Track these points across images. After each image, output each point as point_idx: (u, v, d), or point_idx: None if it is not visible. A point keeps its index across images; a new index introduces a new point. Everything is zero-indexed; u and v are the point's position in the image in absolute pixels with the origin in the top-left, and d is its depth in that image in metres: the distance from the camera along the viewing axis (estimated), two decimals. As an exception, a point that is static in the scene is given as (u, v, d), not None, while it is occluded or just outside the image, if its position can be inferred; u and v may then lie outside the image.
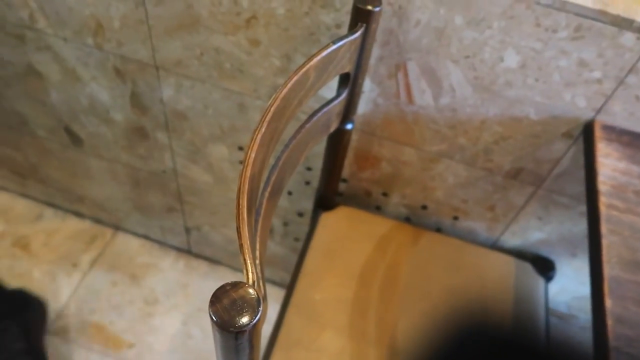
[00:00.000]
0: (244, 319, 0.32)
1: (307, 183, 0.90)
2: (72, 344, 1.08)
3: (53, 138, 1.03)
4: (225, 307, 0.32)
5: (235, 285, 0.33)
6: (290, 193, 0.94)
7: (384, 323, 0.72)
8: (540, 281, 0.79)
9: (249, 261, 0.37)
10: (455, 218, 0.85)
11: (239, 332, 0.31)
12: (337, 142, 0.73)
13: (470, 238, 0.87)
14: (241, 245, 0.38)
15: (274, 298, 1.19)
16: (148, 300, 1.15)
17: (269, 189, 0.53)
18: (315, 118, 0.59)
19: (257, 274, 0.36)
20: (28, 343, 1.06)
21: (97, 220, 1.26)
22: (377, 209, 0.90)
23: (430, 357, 0.69)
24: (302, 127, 0.58)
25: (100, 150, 1.01)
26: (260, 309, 0.32)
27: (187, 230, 1.16)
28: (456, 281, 0.78)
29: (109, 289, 1.16)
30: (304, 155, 0.61)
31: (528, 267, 0.80)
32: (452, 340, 0.71)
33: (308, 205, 0.94)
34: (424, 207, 0.85)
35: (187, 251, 1.23)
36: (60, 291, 1.14)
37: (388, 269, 0.78)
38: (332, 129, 0.65)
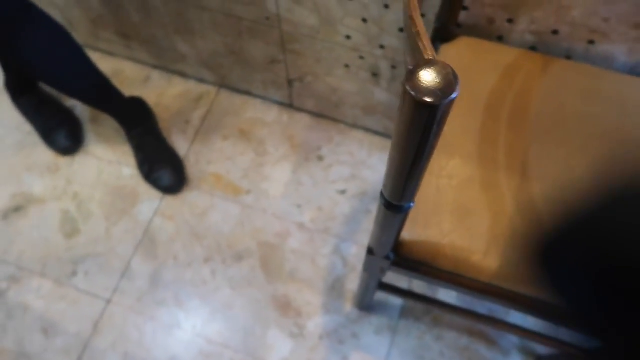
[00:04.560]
0: (443, 92, 0.31)
1: (423, 16, 0.85)
2: (195, 190, 1.17)
3: (155, -9, 1.02)
4: (421, 82, 0.31)
5: (430, 62, 0.32)
6: (401, 30, 0.89)
7: (514, 150, 0.70)
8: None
9: (428, 47, 0.35)
10: (591, 42, 0.77)
11: (434, 105, 0.31)
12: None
13: (605, 65, 0.80)
14: (417, 33, 0.36)
15: (379, 148, 1.21)
16: (258, 152, 1.21)
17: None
18: None
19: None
20: (164, 141, 1.19)
21: (201, 80, 1.29)
22: (499, 40, 0.83)
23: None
24: None
25: (202, 1, 1.00)
26: (459, 83, 0.31)
27: (290, 83, 1.16)
28: (593, 109, 0.73)
29: (220, 142, 1.22)
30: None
31: (675, 92, 0.73)
32: (588, 172, 0.69)
33: (422, 41, 0.89)
34: (555, 32, 0.78)
35: (289, 105, 1.25)
36: (178, 145, 1.22)
37: (517, 97, 0.74)
38: None
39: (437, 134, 0.35)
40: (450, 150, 0.71)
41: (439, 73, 0.31)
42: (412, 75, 0.32)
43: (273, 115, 1.25)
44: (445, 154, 0.70)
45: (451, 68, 0.32)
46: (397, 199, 0.46)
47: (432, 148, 0.37)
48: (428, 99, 0.31)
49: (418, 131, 0.34)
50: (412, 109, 0.32)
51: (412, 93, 0.31)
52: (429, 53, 0.34)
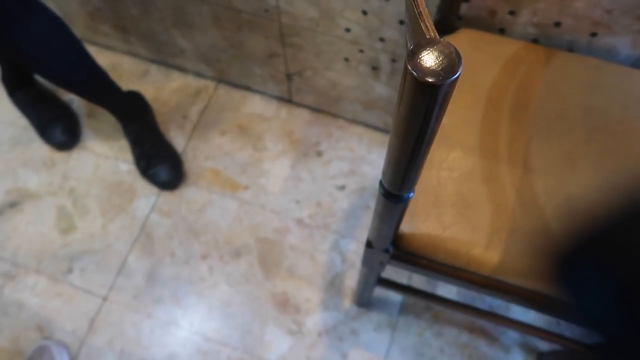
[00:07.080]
0: (445, 72, 0.30)
1: (423, 8, 0.83)
2: (192, 186, 1.16)
3: (152, -16, 1.01)
4: (423, 61, 0.30)
5: (432, 41, 0.31)
6: (401, 22, 0.88)
7: (516, 143, 0.69)
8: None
9: (430, 27, 0.34)
10: (593, 35, 0.76)
11: (437, 85, 0.30)
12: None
13: (608, 57, 0.79)
14: (420, 14, 0.35)
15: (378, 144, 1.20)
16: (257, 147, 1.20)
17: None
18: None
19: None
20: (162, 136, 1.17)
21: (199, 74, 1.28)
22: (501, 32, 0.82)
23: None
24: None
25: (200, -7, 0.99)
26: (462, 63, 0.30)
27: (289, 77, 1.15)
28: (595, 102, 0.72)
29: (219, 137, 1.21)
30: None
31: (678, 84, 0.72)
32: (590, 166, 0.68)
33: (422, 34, 0.88)
34: (557, 25, 0.77)
35: (288, 100, 1.24)
36: (176, 140, 1.21)
37: (519, 90, 0.73)
38: None
39: (439, 117, 0.34)
40: (451, 142, 0.70)
41: (441, 52, 0.30)
42: (413, 54, 0.30)
43: (272, 111, 1.24)
44: (446, 146, 0.69)
45: (454, 47, 0.31)
46: (396, 189, 0.45)
47: (434, 132, 0.35)
48: (430, 79, 0.30)
49: (419, 113, 0.33)
50: (414, 89, 0.31)
51: (414, 73, 0.30)
52: (431, 33, 0.33)
